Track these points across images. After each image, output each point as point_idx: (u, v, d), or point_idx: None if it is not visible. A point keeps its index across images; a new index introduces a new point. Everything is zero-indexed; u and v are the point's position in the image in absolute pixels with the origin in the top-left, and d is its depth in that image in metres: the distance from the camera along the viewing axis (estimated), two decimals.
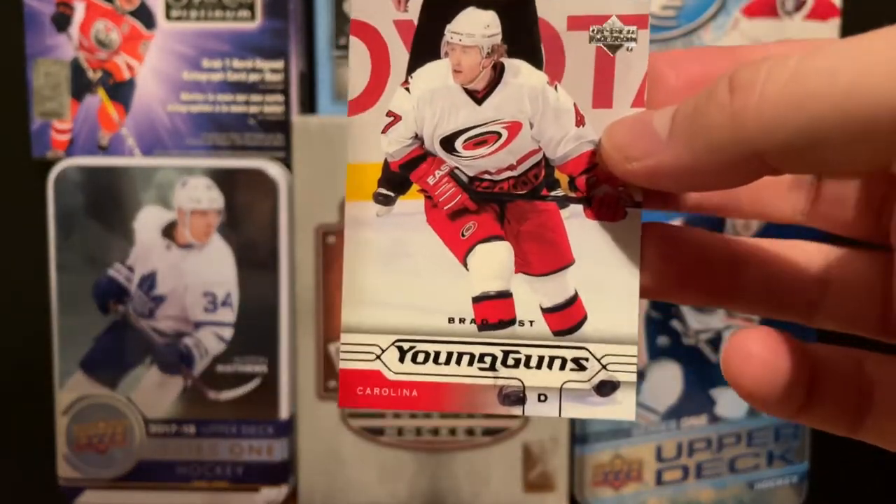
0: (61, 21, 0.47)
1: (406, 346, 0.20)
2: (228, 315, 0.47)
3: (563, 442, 0.48)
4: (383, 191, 0.20)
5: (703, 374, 0.49)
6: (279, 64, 0.47)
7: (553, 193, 0.20)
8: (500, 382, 0.20)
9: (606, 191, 0.20)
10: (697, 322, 0.48)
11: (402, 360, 0.20)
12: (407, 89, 0.20)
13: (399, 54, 0.20)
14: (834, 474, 0.50)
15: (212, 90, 0.47)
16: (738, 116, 0.15)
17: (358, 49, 0.20)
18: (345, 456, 0.48)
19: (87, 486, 0.48)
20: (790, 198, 0.21)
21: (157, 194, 0.46)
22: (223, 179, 0.46)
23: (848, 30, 0.47)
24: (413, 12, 0.20)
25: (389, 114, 0.20)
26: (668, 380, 0.49)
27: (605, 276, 0.20)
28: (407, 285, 0.20)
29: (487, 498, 0.48)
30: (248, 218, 0.47)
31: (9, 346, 0.51)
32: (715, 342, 0.49)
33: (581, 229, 0.20)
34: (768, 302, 0.21)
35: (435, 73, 0.20)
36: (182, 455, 0.48)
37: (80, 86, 0.47)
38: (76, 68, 0.47)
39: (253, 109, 0.47)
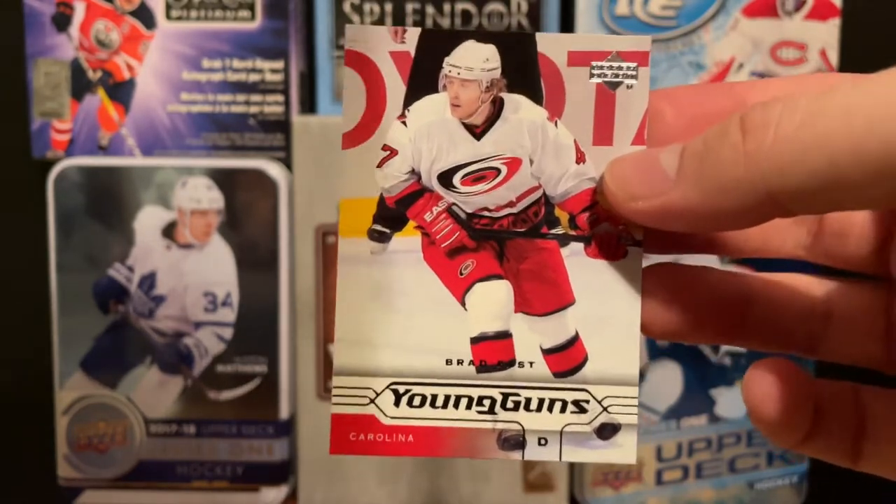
0: (61, 21, 0.47)
1: (402, 388, 0.20)
2: (228, 315, 0.47)
3: None
4: (378, 227, 0.20)
5: (703, 374, 0.49)
6: (279, 64, 0.47)
7: (553, 231, 0.20)
8: (500, 426, 0.20)
9: (607, 229, 0.20)
10: None
11: (397, 403, 0.20)
12: (403, 123, 0.20)
13: (395, 86, 0.20)
14: (834, 474, 0.50)
15: (212, 90, 0.47)
16: (752, 157, 0.15)
17: (353, 80, 0.20)
18: (345, 456, 0.48)
19: (87, 486, 0.48)
20: (793, 233, 0.21)
21: (157, 194, 0.46)
22: (223, 179, 0.46)
23: (848, 30, 0.47)
24: (410, 44, 0.19)
25: (385, 148, 0.20)
26: (668, 380, 0.49)
27: (605, 317, 0.20)
28: (403, 325, 0.20)
29: (487, 498, 0.48)
30: (248, 218, 0.47)
31: (9, 346, 0.51)
32: None
33: (582, 268, 0.20)
34: (774, 337, 0.21)
35: (432, 107, 0.20)
36: (182, 455, 0.48)
37: (80, 86, 0.47)
38: (76, 68, 0.47)
39: (253, 109, 0.47)
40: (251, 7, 0.47)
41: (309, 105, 0.49)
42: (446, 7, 0.47)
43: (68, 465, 0.48)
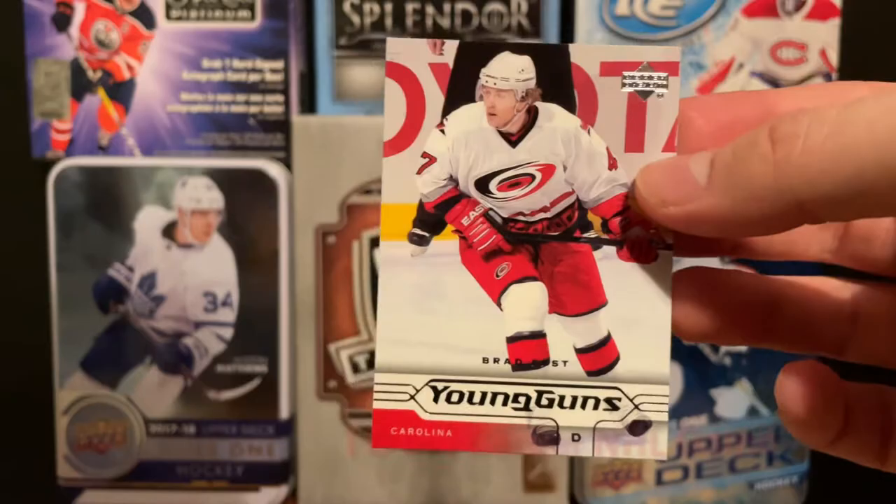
0: (61, 21, 0.47)
1: (440, 385, 0.20)
2: (228, 315, 0.47)
3: None
4: (418, 231, 0.21)
5: (703, 374, 0.49)
6: (279, 64, 0.47)
7: (586, 235, 0.21)
8: (534, 422, 0.20)
9: (639, 233, 0.20)
10: None
11: (436, 399, 0.20)
12: (442, 131, 0.21)
13: (434, 97, 0.20)
14: (834, 474, 0.50)
15: (212, 90, 0.47)
16: (781, 167, 0.16)
17: (393, 91, 0.20)
18: (345, 456, 0.48)
19: (87, 486, 0.48)
20: (819, 237, 0.22)
21: (157, 194, 0.46)
22: (223, 179, 0.46)
23: (848, 30, 0.47)
24: (448, 56, 0.20)
25: (424, 155, 0.21)
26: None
27: (637, 317, 0.20)
28: (441, 325, 0.21)
29: (487, 498, 0.48)
30: (248, 218, 0.47)
31: (9, 346, 0.51)
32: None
33: (614, 271, 0.21)
34: (802, 339, 0.21)
35: (470, 116, 0.20)
36: (182, 455, 0.48)
37: (80, 86, 0.47)
38: (76, 68, 0.47)
39: (253, 109, 0.47)
40: (251, 7, 0.47)
41: (309, 105, 0.49)
42: (446, 7, 0.47)
43: (68, 465, 0.48)
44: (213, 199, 0.46)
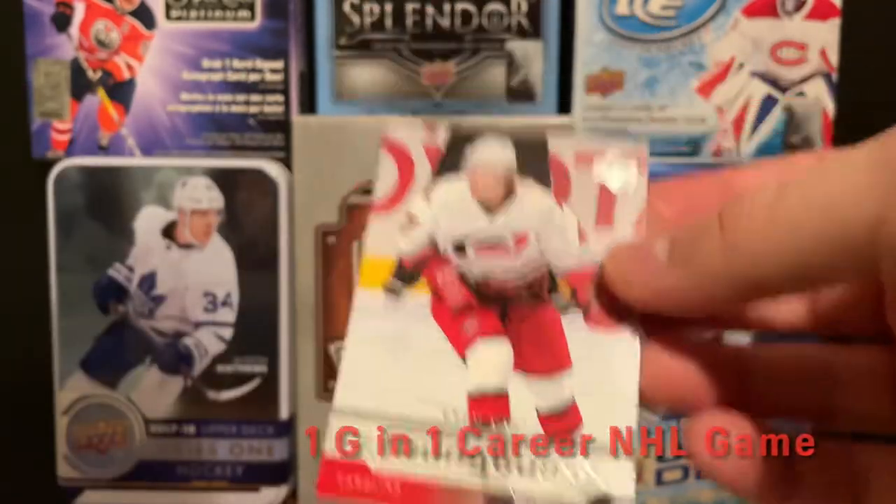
0: (61, 21, 0.47)
1: (395, 434, 0.20)
2: (228, 315, 0.47)
3: None
4: (394, 283, 0.22)
5: None
6: (279, 64, 0.47)
7: (555, 300, 0.21)
8: (490, 488, 0.19)
9: (606, 304, 0.21)
10: None
11: (389, 450, 0.20)
12: (427, 199, 0.22)
13: (423, 170, 0.23)
14: None
15: (212, 90, 0.47)
16: (729, 252, 0.17)
17: (386, 162, 0.23)
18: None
19: (87, 486, 0.48)
20: (789, 307, 0.22)
21: (157, 194, 0.46)
22: (223, 179, 0.46)
23: (848, 30, 0.47)
24: (441, 141, 0.23)
25: (409, 217, 0.22)
26: None
27: (602, 385, 0.20)
28: (405, 376, 0.21)
29: None
30: (248, 218, 0.47)
31: (9, 346, 0.51)
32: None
33: (581, 337, 0.21)
34: (779, 408, 0.21)
35: (454, 188, 0.22)
36: (182, 455, 0.48)
37: (80, 86, 0.47)
38: (76, 68, 0.47)
39: (253, 109, 0.47)
40: (251, 7, 0.47)
41: (309, 105, 0.49)
42: (446, 7, 0.47)
43: (68, 465, 0.48)
44: (213, 199, 0.46)
